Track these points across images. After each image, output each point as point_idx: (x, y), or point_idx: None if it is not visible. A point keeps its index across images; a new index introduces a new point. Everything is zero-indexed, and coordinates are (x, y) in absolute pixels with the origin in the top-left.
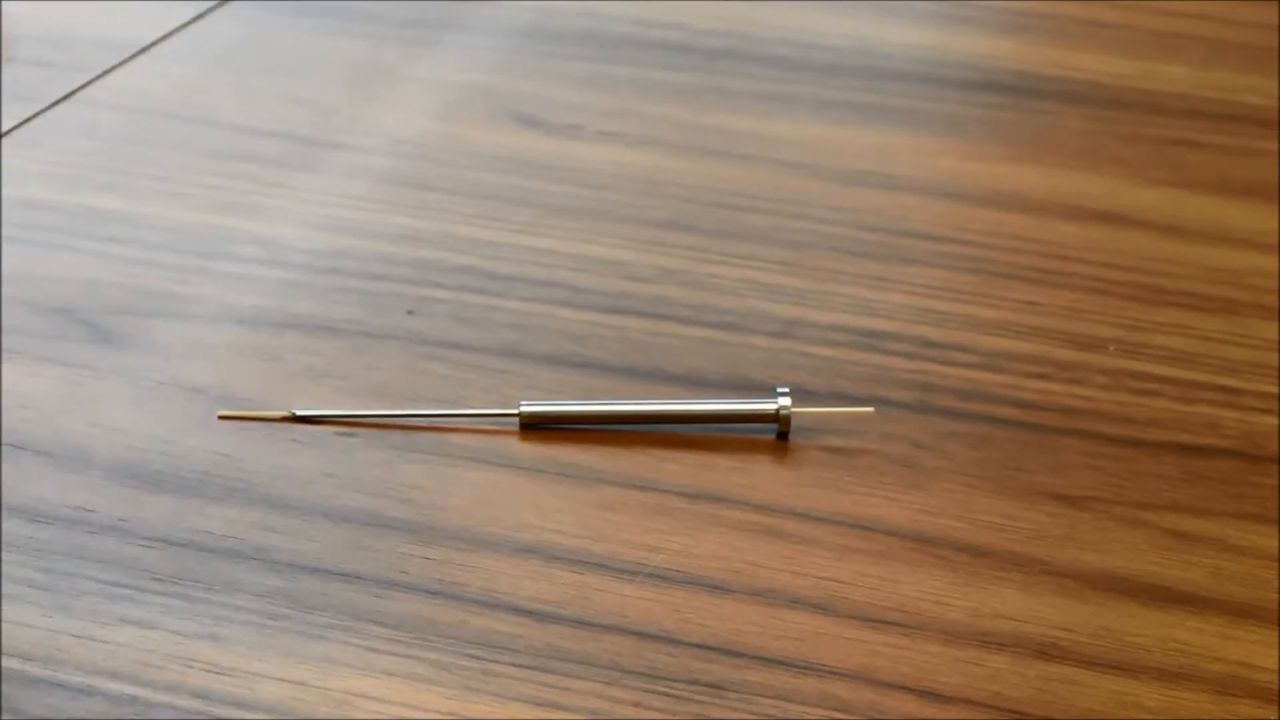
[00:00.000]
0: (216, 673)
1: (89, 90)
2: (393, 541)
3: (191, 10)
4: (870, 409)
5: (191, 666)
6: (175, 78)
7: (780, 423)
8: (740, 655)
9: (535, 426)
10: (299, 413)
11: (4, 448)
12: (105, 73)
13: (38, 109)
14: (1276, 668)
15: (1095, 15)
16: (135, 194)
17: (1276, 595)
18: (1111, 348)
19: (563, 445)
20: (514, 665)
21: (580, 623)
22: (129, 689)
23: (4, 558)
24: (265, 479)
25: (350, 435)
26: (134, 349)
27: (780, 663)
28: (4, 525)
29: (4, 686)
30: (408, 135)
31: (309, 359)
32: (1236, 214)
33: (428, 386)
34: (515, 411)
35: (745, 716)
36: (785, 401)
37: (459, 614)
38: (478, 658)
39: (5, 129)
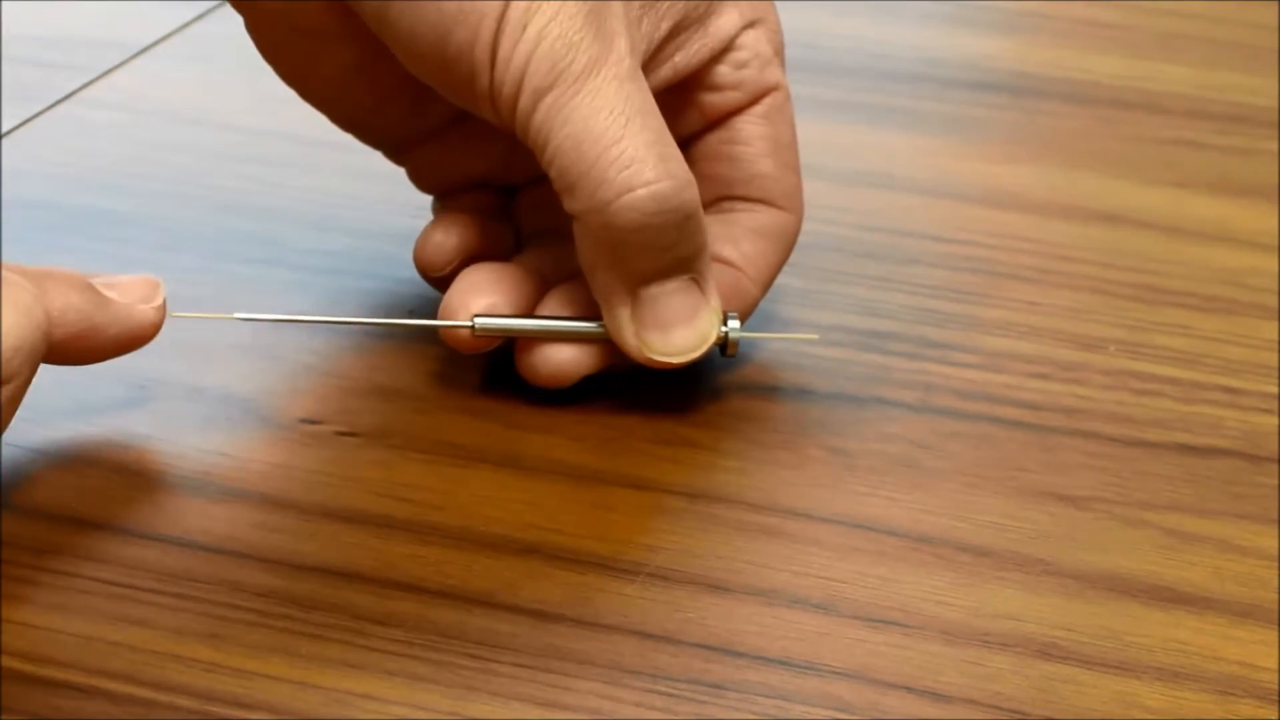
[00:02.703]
0: (216, 673)
1: (89, 91)
2: (393, 541)
3: (191, 10)
4: (815, 335)
5: (192, 666)
6: (175, 78)
7: (728, 346)
8: (741, 655)
9: (488, 336)
10: (241, 315)
11: (3, 447)
12: (105, 73)
13: (38, 109)
14: (1277, 668)
15: (1096, 15)
16: (135, 194)
17: (1277, 595)
18: (1112, 348)
19: (562, 445)
20: (515, 665)
21: (581, 622)
22: (129, 689)
23: (3, 557)
24: (265, 479)
25: (351, 435)
26: None
27: (781, 662)
28: (3, 525)
29: (4, 686)
30: None
31: (309, 359)
32: (1237, 214)
33: (429, 387)
34: (469, 324)
35: (746, 716)
36: (735, 325)
37: (459, 614)
38: (478, 657)
39: (5, 129)
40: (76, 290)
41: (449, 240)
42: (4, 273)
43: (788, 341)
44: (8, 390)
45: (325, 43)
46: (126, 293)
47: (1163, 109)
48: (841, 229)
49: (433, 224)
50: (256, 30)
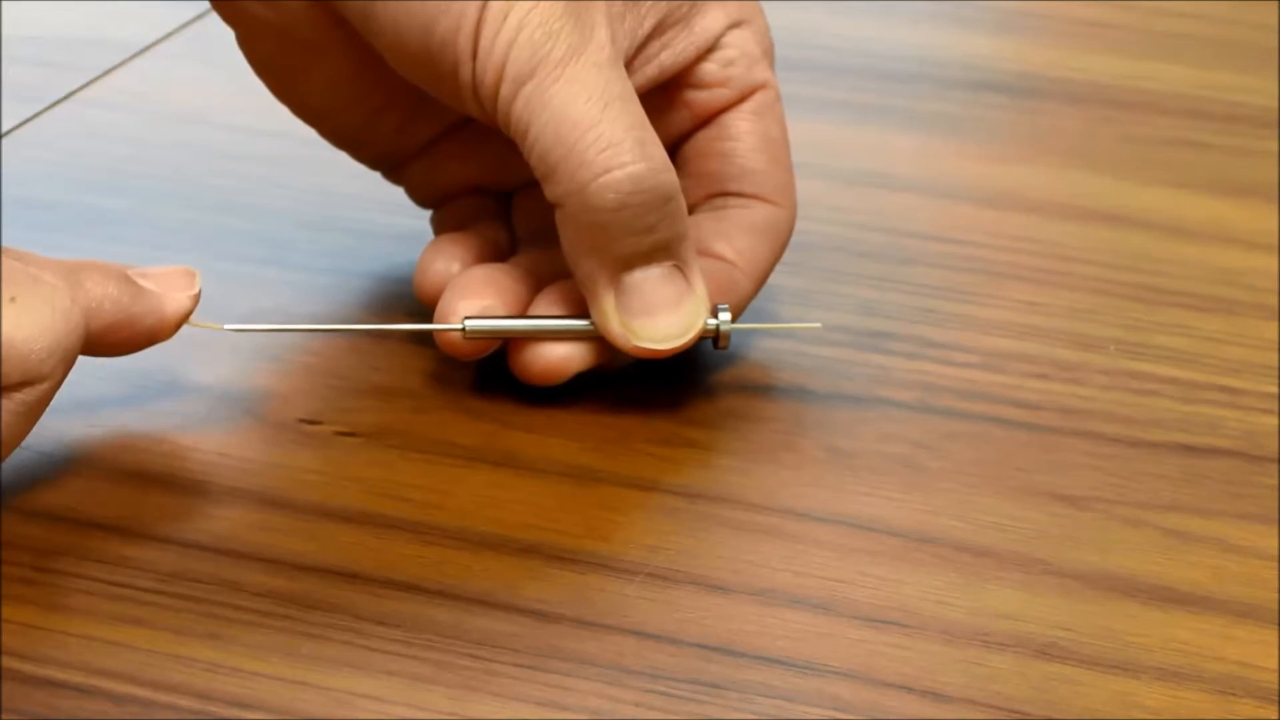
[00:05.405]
0: (216, 673)
1: (89, 90)
2: (392, 541)
3: (191, 10)
4: (818, 324)
5: (191, 666)
6: (175, 78)
7: (720, 338)
8: (741, 655)
9: (479, 339)
10: (231, 327)
11: None
12: (105, 73)
13: (38, 109)
14: (1277, 667)
15: (1095, 15)
16: (135, 194)
17: (1277, 595)
18: (1112, 348)
19: (561, 445)
20: (515, 665)
21: (581, 622)
22: (129, 689)
23: (3, 557)
24: (265, 479)
25: (350, 435)
26: None
27: (781, 662)
28: (4, 524)
29: (4, 686)
30: None
31: (308, 359)
32: (1236, 214)
33: (427, 387)
34: (460, 326)
35: (746, 716)
36: (725, 317)
37: (459, 614)
38: (478, 657)
39: (5, 129)
40: (113, 281)
41: (450, 269)
42: (41, 273)
43: (788, 341)
44: (40, 390)
45: (315, 53)
46: (162, 283)
47: (1163, 109)
48: (841, 229)
49: (432, 251)
50: (247, 43)
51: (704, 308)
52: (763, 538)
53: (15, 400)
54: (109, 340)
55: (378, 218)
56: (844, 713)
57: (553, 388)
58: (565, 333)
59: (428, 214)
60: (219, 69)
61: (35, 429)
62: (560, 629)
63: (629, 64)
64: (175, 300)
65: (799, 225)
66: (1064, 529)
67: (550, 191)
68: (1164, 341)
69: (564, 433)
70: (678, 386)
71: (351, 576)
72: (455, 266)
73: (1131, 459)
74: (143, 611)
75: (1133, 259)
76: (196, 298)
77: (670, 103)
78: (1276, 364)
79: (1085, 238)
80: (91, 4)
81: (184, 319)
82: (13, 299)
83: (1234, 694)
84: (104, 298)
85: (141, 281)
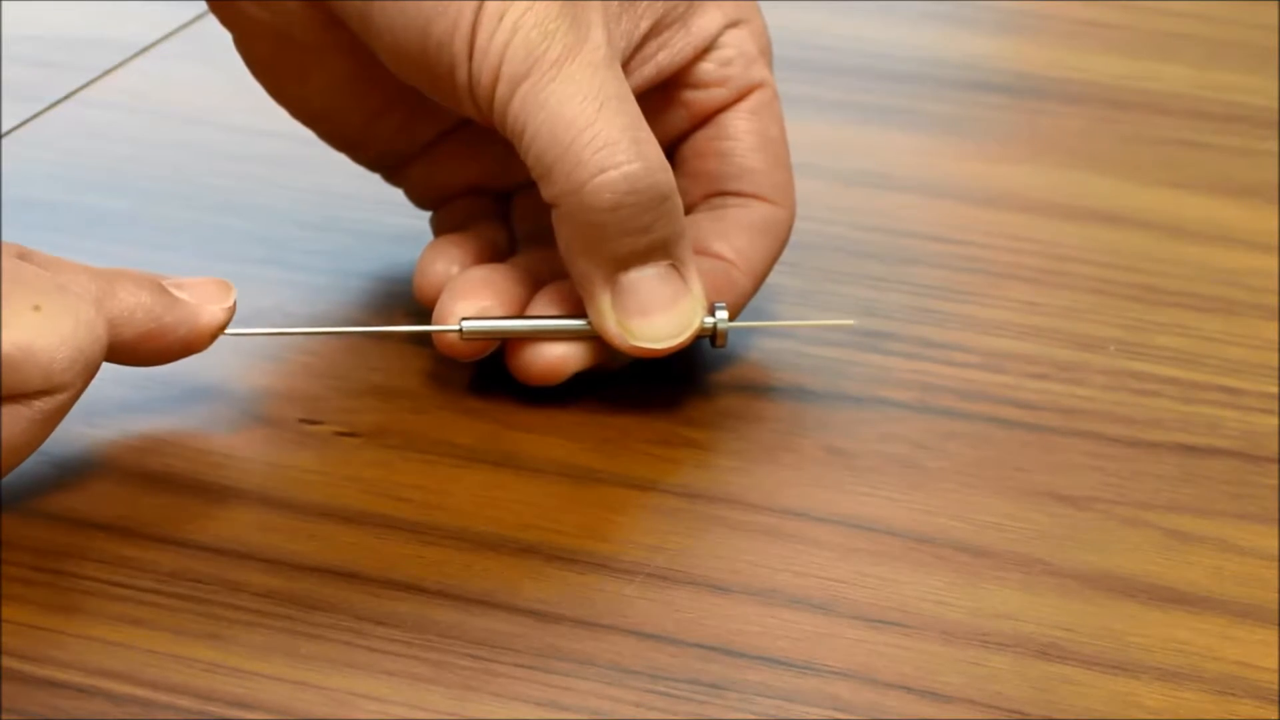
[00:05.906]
0: (216, 673)
1: (89, 90)
2: (393, 541)
3: (191, 10)
4: (851, 321)
5: (192, 666)
6: (175, 78)
7: (717, 337)
8: (741, 655)
9: (476, 339)
10: (230, 331)
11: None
12: (105, 73)
13: (38, 109)
14: (1276, 668)
15: (1095, 15)
16: (135, 194)
17: (1277, 595)
18: (1112, 348)
19: (561, 445)
20: (515, 665)
21: (581, 623)
22: (129, 689)
23: (3, 557)
24: (265, 479)
25: (350, 435)
26: None
27: (780, 663)
28: (4, 524)
29: (4, 686)
30: None
31: (308, 359)
32: (1236, 214)
33: (427, 387)
34: (457, 328)
35: (745, 716)
36: (723, 315)
37: (459, 614)
38: (478, 657)
39: (5, 129)
40: (146, 290)
41: (450, 270)
42: (69, 281)
43: (787, 340)
44: (59, 399)
45: (313, 56)
46: (196, 294)
47: (1163, 109)
48: (841, 229)
49: (431, 252)
50: (244, 45)
51: (700, 307)
52: (762, 538)
53: (34, 408)
54: (141, 350)
55: (378, 218)
56: (844, 713)
57: (551, 388)
58: (563, 333)
59: (427, 214)
60: (219, 69)
61: None
62: (560, 629)
63: (626, 64)
64: (209, 312)
65: (799, 225)
66: (1064, 529)
67: (547, 191)
68: (1164, 341)
69: (563, 433)
70: (677, 386)
71: (351, 576)
72: (454, 267)
73: (1131, 459)
74: (143, 611)
75: (1133, 259)
76: (232, 309)
77: (668, 103)
78: (1276, 364)
79: (1085, 238)
80: (91, 4)
81: (219, 330)
82: (37, 307)
83: (1234, 694)
84: (136, 306)
85: (176, 292)
